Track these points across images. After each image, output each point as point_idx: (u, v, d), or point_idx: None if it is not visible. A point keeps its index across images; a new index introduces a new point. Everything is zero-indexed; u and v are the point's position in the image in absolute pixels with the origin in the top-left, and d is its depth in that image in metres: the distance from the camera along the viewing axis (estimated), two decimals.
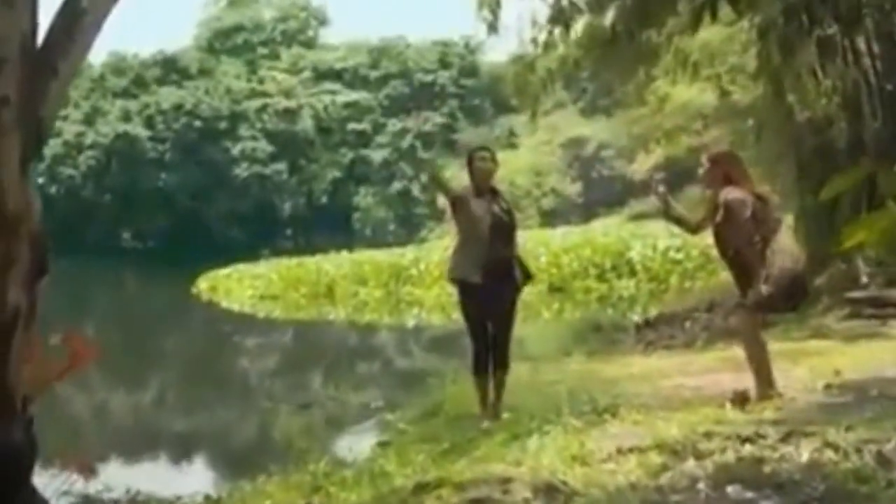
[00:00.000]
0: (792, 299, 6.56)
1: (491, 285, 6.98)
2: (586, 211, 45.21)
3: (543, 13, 12.04)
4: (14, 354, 3.66)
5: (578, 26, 10.54)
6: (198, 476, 8.11)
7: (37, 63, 3.83)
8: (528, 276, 7.42)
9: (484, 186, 7.22)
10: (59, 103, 4.18)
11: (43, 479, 4.12)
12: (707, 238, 23.12)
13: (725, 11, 10.71)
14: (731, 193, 6.38)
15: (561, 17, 11.75)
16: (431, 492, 4.50)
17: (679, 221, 6.92)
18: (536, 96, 14.83)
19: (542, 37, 11.80)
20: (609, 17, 9.34)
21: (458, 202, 7.17)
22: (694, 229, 6.90)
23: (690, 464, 4.76)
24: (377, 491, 4.69)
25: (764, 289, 6.22)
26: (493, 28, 13.20)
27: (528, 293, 24.91)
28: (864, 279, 11.60)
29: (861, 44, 11.44)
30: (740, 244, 6.41)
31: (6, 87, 3.64)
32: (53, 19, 4.01)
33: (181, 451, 10.36)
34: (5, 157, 3.65)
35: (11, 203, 3.68)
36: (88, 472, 4.26)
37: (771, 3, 9.60)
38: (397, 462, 5.66)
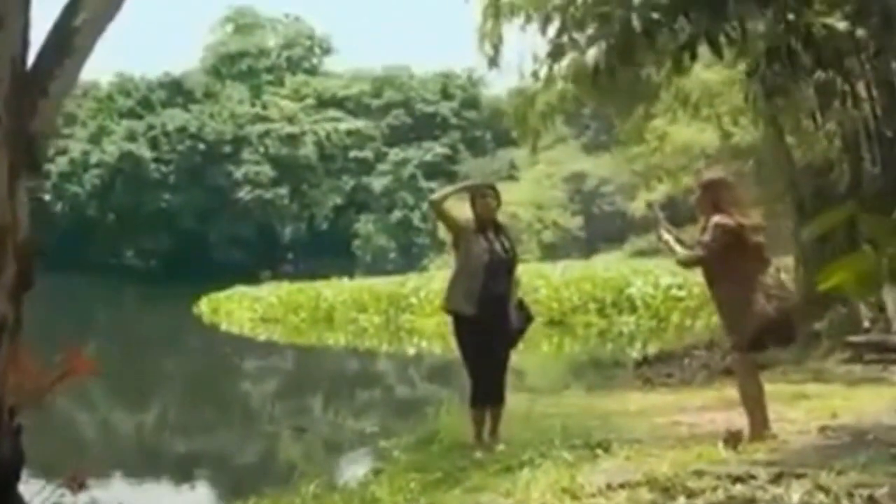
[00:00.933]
0: (780, 339, 6.55)
1: (485, 321, 7.02)
2: (587, 246, 45.22)
3: (544, 48, 12.14)
4: (0, 365, 3.70)
5: (568, 62, 10.62)
6: (190, 496, 8.11)
7: (27, 82, 3.91)
8: (528, 319, 7.46)
9: (486, 222, 7.29)
10: (52, 121, 4.25)
11: (32, 489, 4.14)
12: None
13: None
14: (715, 220, 6.34)
15: (559, 53, 11.86)
16: None
17: (680, 243, 6.86)
18: (536, 130, 14.91)
19: (543, 71, 11.90)
20: (591, 54, 9.44)
21: (459, 234, 7.25)
22: (690, 260, 6.79)
23: (680, 501, 4.78)
24: None
25: (748, 328, 6.25)
26: (493, 62, 13.32)
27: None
28: (866, 323, 11.58)
29: (861, 89, 11.52)
30: (718, 274, 6.38)
31: None
32: (45, 39, 4.08)
33: (176, 471, 10.35)
34: None
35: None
36: (78, 484, 4.28)
37: (753, 46, 9.69)
38: (389, 489, 5.67)
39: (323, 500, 5.27)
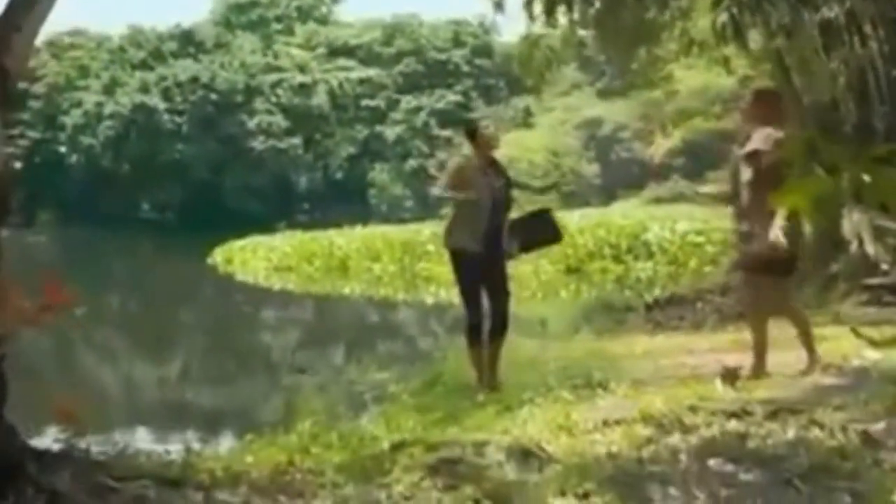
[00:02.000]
0: (780, 269, 6.42)
1: (489, 256, 7.11)
2: (605, 193, 44.97)
3: None
4: None
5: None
6: (194, 439, 8.17)
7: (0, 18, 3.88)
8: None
9: (488, 157, 7.26)
10: (25, 58, 4.22)
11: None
12: (728, 222, 22.98)
13: None
14: (759, 134, 6.25)
15: None
16: (406, 451, 4.56)
17: None
18: (541, 74, 14.77)
19: (538, 11, 11.73)
20: None
21: (462, 177, 7.20)
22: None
23: (675, 437, 4.78)
24: (360, 451, 4.74)
25: (755, 248, 6.21)
26: (499, 7, 13.16)
27: (544, 273, 24.93)
28: (884, 265, 11.43)
29: (867, 27, 11.30)
30: (747, 192, 6.28)
31: None
32: None
33: (185, 415, 10.47)
34: None
35: None
36: (70, 419, 4.31)
37: None
38: (387, 428, 5.70)
39: (320, 438, 5.28)
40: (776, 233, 6.12)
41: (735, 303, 11.46)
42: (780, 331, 8.35)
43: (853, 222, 2.20)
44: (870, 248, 2.26)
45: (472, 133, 7.42)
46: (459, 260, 7.25)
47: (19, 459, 3.72)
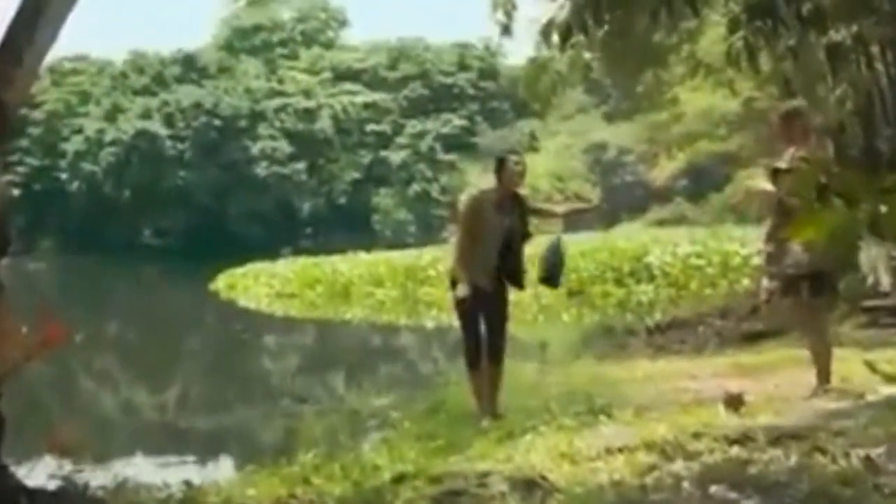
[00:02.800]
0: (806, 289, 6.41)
1: (492, 288, 7.18)
2: (608, 216, 45.04)
3: (557, 15, 11.97)
4: None
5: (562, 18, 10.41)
6: (197, 467, 8.16)
7: (0, 52, 3.89)
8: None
9: (509, 192, 7.25)
10: (26, 91, 4.22)
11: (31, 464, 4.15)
12: (729, 244, 23.04)
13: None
14: (786, 154, 6.37)
15: (577, 20, 11.70)
16: (409, 483, 4.54)
17: None
18: (548, 98, 14.80)
19: (553, 38, 11.75)
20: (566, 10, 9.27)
21: (474, 213, 7.23)
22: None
23: (678, 464, 4.76)
24: (362, 483, 4.72)
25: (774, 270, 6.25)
26: (506, 30, 13.16)
27: (545, 296, 24.95)
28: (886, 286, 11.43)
29: (874, 50, 11.36)
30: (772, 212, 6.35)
31: None
32: (18, 8, 4.06)
33: (192, 445, 10.43)
34: None
35: None
36: (64, 451, 4.28)
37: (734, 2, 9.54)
38: (389, 457, 5.68)
39: (323, 469, 5.26)
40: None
41: (765, 323, 11.46)
42: (786, 352, 8.36)
43: (870, 255, 2.20)
44: (885, 281, 2.26)
45: (500, 167, 7.34)
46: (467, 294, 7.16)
47: (14, 499, 3.69)
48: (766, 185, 6.57)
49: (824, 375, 6.50)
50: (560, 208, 7.79)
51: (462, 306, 7.26)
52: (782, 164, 6.37)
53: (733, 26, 9.66)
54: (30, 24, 4.03)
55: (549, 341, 16.74)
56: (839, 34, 10.39)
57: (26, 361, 3.88)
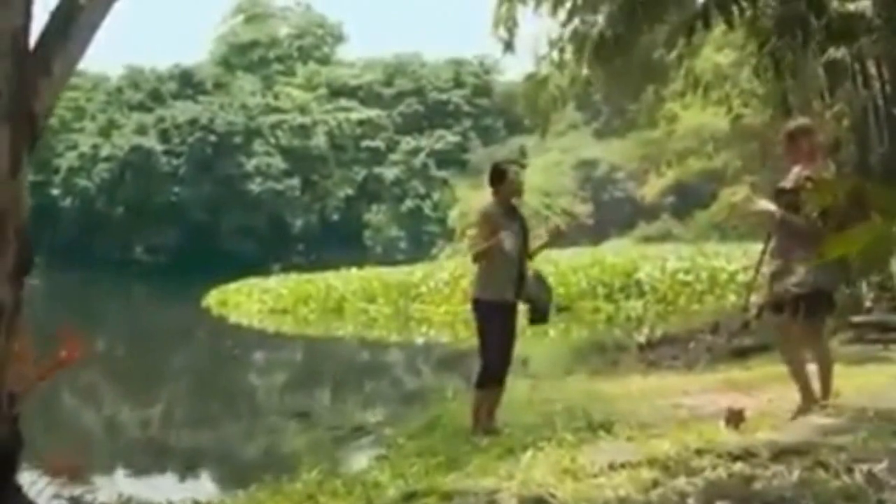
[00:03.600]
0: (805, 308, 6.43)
1: (515, 304, 7.14)
2: (597, 232, 45.15)
3: (556, 31, 12.08)
4: None
5: (573, 35, 10.46)
6: (195, 486, 8.12)
7: (30, 60, 3.86)
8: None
9: (510, 203, 7.23)
10: (54, 102, 4.18)
11: (31, 479, 4.13)
12: (715, 260, 23.03)
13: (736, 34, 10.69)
14: (791, 173, 6.34)
15: (575, 36, 11.78)
16: (419, 501, 4.53)
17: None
18: (547, 114, 14.87)
19: (554, 54, 11.85)
20: (598, 22, 9.31)
21: (490, 226, 7.12)
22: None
23: (681, 480, 4.76)
24: (366, 501, 4.71)
25: (777, 287, 6.27)
26: (508, 47, 13.24)
27: None
28: (868, 303, 11.54)
29: (871, 67, 11.43)
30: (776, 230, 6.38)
31: None
32: (49, 18, 4.04)
33: (182, 463, 10.37)
34: None
35: (0, 196, 3.66)
36: (73, 473, 4.26)
37: (764, 16, 9.60)
38: (391, 474, 5.68)
39: (325, 487, 5.26)
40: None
41: (732, 347, 11.50)
42: (776, 368, 8.36)
43: None
44: None
45: (500, 177, 7.29)
46: (496, 310, 7.09)
47: None
48: (769, 205, 6.60)
49: (826, 390, 6.53)
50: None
51: (491, 323, 7.15)
52: (787, 184, 6.38)
53: (763, 40, 9.69)
54: (61, 34, 4.00)
55: (536, 357, 16.78)
56: (838, 52, 10.46)
57: (40, 379, 3.88)
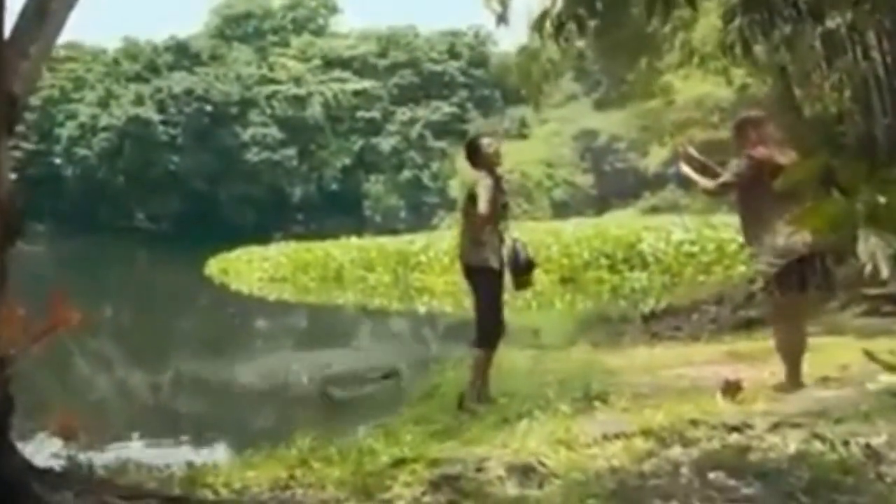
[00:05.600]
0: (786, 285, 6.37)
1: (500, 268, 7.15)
2: (599, 203, 45.13)
3: (551, 6, 11.92)
4: None
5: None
6: (190, 451, 8.12)
7: (6, 45, 3.91)
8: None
9: (494, 173, 7.21)
10: (33, 83, 4.25)
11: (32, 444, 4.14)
12: (724, 232, 22.98)
13: None
14: (747, 151, 6.38)
15: (571, 12, 11.64)
16: (406, 467, 4.53)
17: (702, 172, 6.83)
18: (540, 86, 14.77)
19: (546, 25, 11.69)
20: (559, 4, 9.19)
21: (493, 196, 7.09)
22: (712, 189, 6.78)
23: (676, 451, 4.75)
24: (359, 466, 4.71)
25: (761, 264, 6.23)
26: (502, 19, 13.09)
27: (539, 283, 24.95)
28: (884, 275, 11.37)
29: (871, 38, 11.30)
30: (745, 209, 6.40)
31: None
32: (25, 3, 4.10)
33: (181, 426, 10.39)
34: None
35: None
36: (70, 432, 4.28)
37: None
38: (385, 441, 5.67)
39: (319, 452, 5.24)
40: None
41: (737, 318, 11.47)
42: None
43: (868, 245, 2.19)
44: (885, 272, 2.24)
45: (475, 150, 7.31)
46: (484, 276, 7.13)
47: (23, 479, 3.69)
48: (698, 177, 6.69)
49: (794, 370, 6.44)
50: None
51: (490, 287, 7.17)
52: (728, 177, 6.46)
53: (729, 17, 9.61)
54: (36, 17, 4.06)
55: (542, 328, 16.76)
56: (834, 22, 10.34)
57: (32, 343, 3.89)
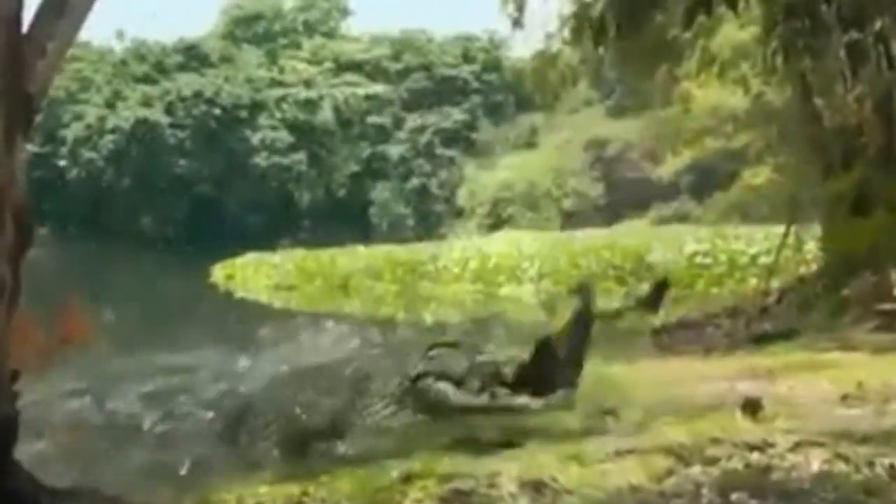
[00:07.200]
0: None
1: None
2: (609, 213, 44.89)
3: (567, 8, 11.83)
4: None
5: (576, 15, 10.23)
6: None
7: (23, 41, 3.83)
8: None
9: None
10: (50, 81, 4.19)
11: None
12: (736, 243, 22.64)
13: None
14: None
15: (584, 13, 11.54)
16: (417, 482, 4.44)
17: None
18: (556, 92, 14.67)
19: (565, 32, 11.62)
20: (598, 8, 9.12)
21: None
22: None
23: (696, 469, 4.64)
24: (370, 481, 4.60)
25: None
26: (517, 23, 13.05)
27: (546, 294, 24.77)
28: None
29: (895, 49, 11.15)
30: None
31: None
32: (42, 2, 4.04)
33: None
34: None
35: None
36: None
37: (773, 2, 9.35)
38: (396, 455, 5.55)
39: (329, 466, 5.13)
40: None
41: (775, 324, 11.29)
42: (798, 355, 8.18)
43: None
44: None
45: None
46: None
47: (34, 495, 3.58)
48: None
49: None
50: None
51: None
52: None
53: (770, 25, 9.48)
54: (53, 16, 4.00)
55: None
56: (861, 32, 10.21)
57: (47, 358, 3.81)
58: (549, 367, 7.21)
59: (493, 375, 7.33)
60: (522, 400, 6.87)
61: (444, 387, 7.25)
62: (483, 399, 7.06)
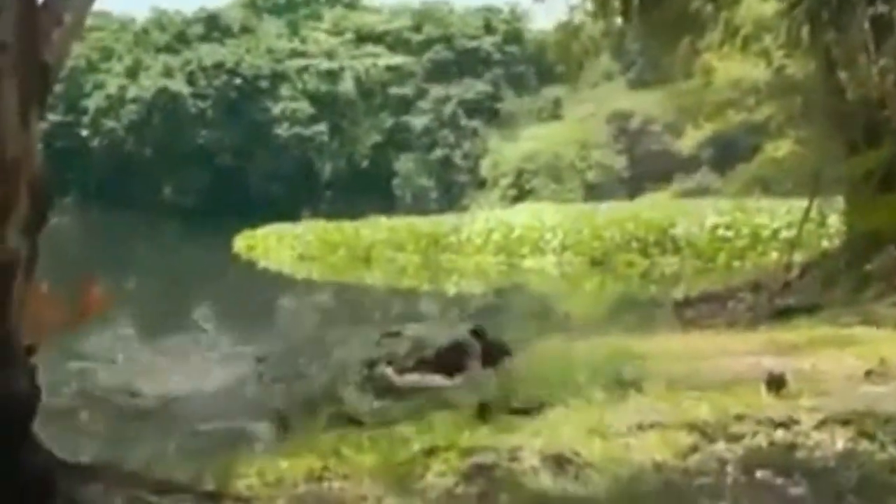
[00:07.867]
0: None
1: None
2: (632, 186, 44.69)
3: None
4: (14, 301, 3.53)
5: None
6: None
7: (38, 10, 3.77)
8: None
9: None
10: (67, 50, 4.11)
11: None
12: (758, 217, 22.62)
13: None
14: None
15: None
16: (440, 456, 4.44)
17: None
18: (580, 64, 14.56)
19: (588, 4, 11.50)
20: None
21: None
22: None
23: (720, 446, 4.62)
24: (392, 455, 4.61)
25: None
26: None
27: (568, 265, 24.77)
28: None
29: None
30: None
31: (3, 33, 3.55)
32: None
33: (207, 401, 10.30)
34: (3, 102, 3.56)
35: (10, 147, 3.57)
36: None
37: None
38: (416, 428, 5.55)
39: (350, 440, 5.13)
40: None
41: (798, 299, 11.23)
42: (822, 330, 8.11)
43: None
44: None
45: None
46: None
47: (51, 474, 3.59)
48: None
49: None
50: None
51: None
52: None
53: (793, 3, 9.35)
54: None
55: (571, 311, 16.57)
56: (885, 6, 10.07)
57: (69, 329, 3.80)
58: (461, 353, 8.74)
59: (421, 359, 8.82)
60: (436, 380, 8.33)
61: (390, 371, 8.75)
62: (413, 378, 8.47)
